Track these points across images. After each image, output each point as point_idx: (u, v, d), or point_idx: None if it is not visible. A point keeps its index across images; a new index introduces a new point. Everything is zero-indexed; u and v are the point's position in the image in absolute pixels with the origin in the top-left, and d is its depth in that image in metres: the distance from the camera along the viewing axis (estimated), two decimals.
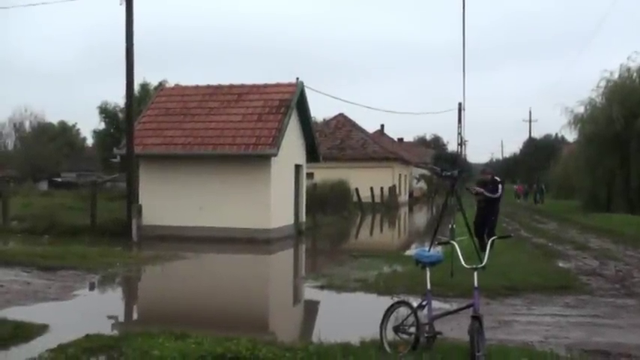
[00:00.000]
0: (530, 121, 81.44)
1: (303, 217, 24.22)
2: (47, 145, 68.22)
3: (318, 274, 13.01)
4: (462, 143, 57.01)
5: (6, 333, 7.25)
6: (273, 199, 20.36)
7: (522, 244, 18.27)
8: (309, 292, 11.50)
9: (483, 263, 6.24)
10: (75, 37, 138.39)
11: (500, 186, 14.98)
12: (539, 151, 76.85)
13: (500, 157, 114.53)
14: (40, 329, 7.70)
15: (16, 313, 8.56)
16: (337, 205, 31.39)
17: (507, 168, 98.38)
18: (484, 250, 12.26)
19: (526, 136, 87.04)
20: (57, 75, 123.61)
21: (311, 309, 10.79)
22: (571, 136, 45.14)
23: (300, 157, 24.16)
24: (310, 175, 28.64)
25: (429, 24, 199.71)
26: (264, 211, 20.13)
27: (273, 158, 20.19)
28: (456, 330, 7.39)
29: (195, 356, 6.23)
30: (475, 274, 6.00)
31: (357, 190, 36.55)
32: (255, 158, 20.36)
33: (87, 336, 7.10)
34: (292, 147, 22.49)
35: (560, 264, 14.31)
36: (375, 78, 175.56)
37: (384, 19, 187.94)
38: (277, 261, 17.89)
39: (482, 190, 14.86)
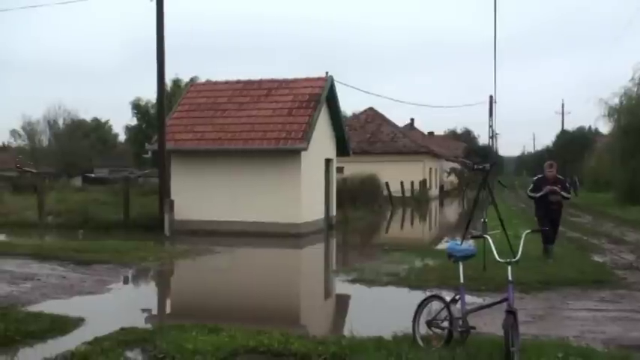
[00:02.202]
0: (563, 114, 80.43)
1: (333, 212, 24.21)
2: (81, 141, 69.27)
3: (349, 268, 12.99)
4: (493, 136, 56.43)
5: (43, 326, 7.38)
6: (304, 193, 20.39)
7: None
8: (341, 286, 11.50)
9: (517, 257, 6.17)
10: (108, 34, 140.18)
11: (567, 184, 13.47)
12: (573, 144, 75.69)
13: (532, 150, 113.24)
14: (76, 322, 7.82)
15: (53, 307, 8.72)
16: (367, 199, 31.31)
17: (540, 161, 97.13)
18: (549, 256, 12.02)
19: (559, 129, 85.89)
20: (90, 72, 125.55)
21: (342, 303, 10.78)
22: (605, 128, 44.41)
23: (330, 152, 24.14)
24: (340, 170, 28.57)
25: (462, 16, 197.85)
26: (295, 205, 20.18)
27: (303, 153, 20.21)
28: (489, 325, 7.32)
29: (228, 349, 6.28)
30: (509, 267, 5.93)
31: (387, 184, 36.42)
32: (286, 153, 20.39)
33: (122, 329, 7.19)
34: (322, 141, 22.47)
35: (596, 258, 14.10)
36: (405, 71, 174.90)
37: (415, 12, 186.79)
38: (308, 255, 17.92)
39: (563, 192, 12.94)
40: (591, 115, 65.10)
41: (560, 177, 13.37)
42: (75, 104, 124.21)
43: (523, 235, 6.42)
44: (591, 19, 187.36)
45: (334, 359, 6.09)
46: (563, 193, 12.89)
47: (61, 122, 73.24)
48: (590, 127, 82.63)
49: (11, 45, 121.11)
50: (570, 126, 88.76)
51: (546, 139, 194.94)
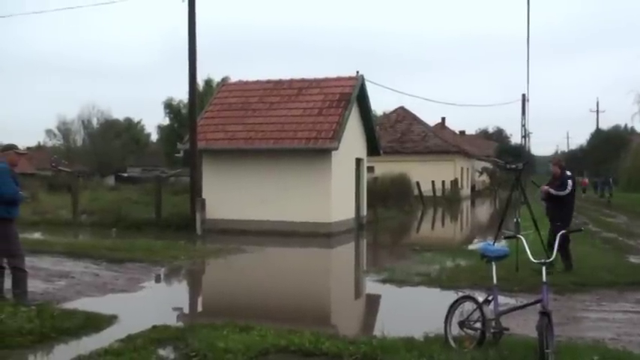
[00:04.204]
0: (597, 112, 79.29)
1: (364, 211, 24.16)
2: (113, 141, 70.25)
3: (379, 268, 12.93)
4: (526, 135, 55.61)
5: (78, 323, 7.46)
6: (334, 192, 20.37)
7: (591, 238, 17.74)
8: (371, 286, 11.45)
9: (552, 258, 6.10)
10: (141, 34, 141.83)
11: (569, 182, 11.64)
12: (607, 143, 74.50)
13: (566, 150, 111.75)
14: (110, 320, 7.89)
15: (87, 304, 8.82)
16: (398, 198, 31.19)
17: (573, 160, 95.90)
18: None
19: (593, 128, 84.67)
20: (123, 72, 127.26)
21: (373, 303, 10.74)
22: None
23: (361, 151, 24.09)
24: (371, 169, 28.54)
25: (494, 14, 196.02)
26: (325, 204, 20.17)
27: (333, 152, 20.19)
28: (523, 326, 7.22)
29: (259, 348, 6.28)
30: (543, 268, 5.84)
31: (418, 183, 36.23)
32: (316, 152, 20.39)
33: (154, 327, 7.24)
34: (353, 141, 22.43)
35: (632, 259, 13.83)
36: (436, 70, 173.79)
37: (447, 10, 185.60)
38: (338, 254, 17.89)
39: (546, 188, 11.79)
40: (627, 114, 64.03)
41: (567, 173, 11.72)
42: (108, 104, 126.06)
43: (558, 236, 6.32)
44: (626, 16, 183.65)
45: (365, 359, 6.06)
46: (550, 191, 11.56)
47: (94, 122, 74.44)
48: (625, 125, 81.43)
49: (46, 46, 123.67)
50: (605, 125, 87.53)
51: (581, 138, 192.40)
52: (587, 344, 6.60)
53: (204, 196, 20.90)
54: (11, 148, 8.95)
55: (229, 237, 18.58)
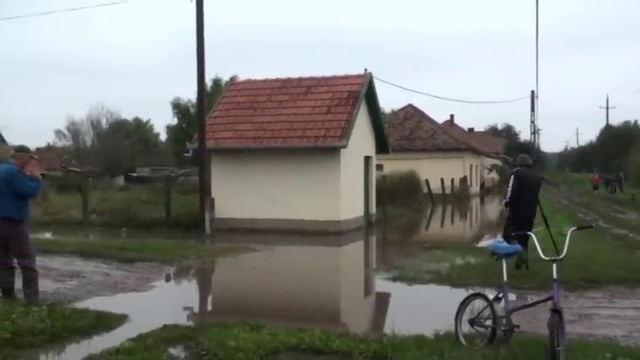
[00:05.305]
0: (607, 108, 78.92)
1: (373, 209, 24.14)
2: (123, 141, 70.39)
3: (389, 266, 12.92)
4: (535, 132, 55.41)
5: (89, 322, 7.49)
6: (343, 190, 20.36)
7: (602, 234, 17.65)
8: (381, 284, 11.44)
9: (562, 255, 6.05)
10: (149, 34, 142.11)
11: (512, 177, 11.34)
12: (617, 139, 74.13)
13: (576, 146, 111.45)
14: (120, 319, 7.92)
15: (98, 304, 8.85)
16: (407, 196, 31.14)
17: (583, 157, 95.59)
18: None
19: (603, 124, 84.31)
20: (131, 72, 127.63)
21: (383, 301, 10.73)
22: None
23: (370, 149, 24.07)
24: (379, 167, 28.51)
25: (503, 10, 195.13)
26: (334, 202, 20.16)
27: (342, 150, 20.18)
28: (532, 323, 7.19)
29: (270, 347, 6.29)
30: (554, 265, 5.81)
31: (427, 181, 36.16)
32: (325, 150, 20.39)
33: (165, 326, 7.26)
34: (361, 138, 22.41)
35: None
36: (445, 67, 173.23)
37: (455, 7, 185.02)
38: (348, 253, 17.88)
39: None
40: (637, 110, 63.90)
41: (514, 170, 11.53)
42: (117, 104, 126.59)
43: (569, 233, 6.28)
44: (635, 14, 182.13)
45: (376, 357, 6.05)
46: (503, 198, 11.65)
47: (103, 122, 74.56)
48: (635, 121, 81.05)
49: (54, 47, 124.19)
50: (615, 121, 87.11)
51: (590, 134, 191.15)
52: (598, 341, 6.56)
53: (213, 195, 20.93)
54: (26, 150, 9.03)
55: (238, 236, 18.60)
